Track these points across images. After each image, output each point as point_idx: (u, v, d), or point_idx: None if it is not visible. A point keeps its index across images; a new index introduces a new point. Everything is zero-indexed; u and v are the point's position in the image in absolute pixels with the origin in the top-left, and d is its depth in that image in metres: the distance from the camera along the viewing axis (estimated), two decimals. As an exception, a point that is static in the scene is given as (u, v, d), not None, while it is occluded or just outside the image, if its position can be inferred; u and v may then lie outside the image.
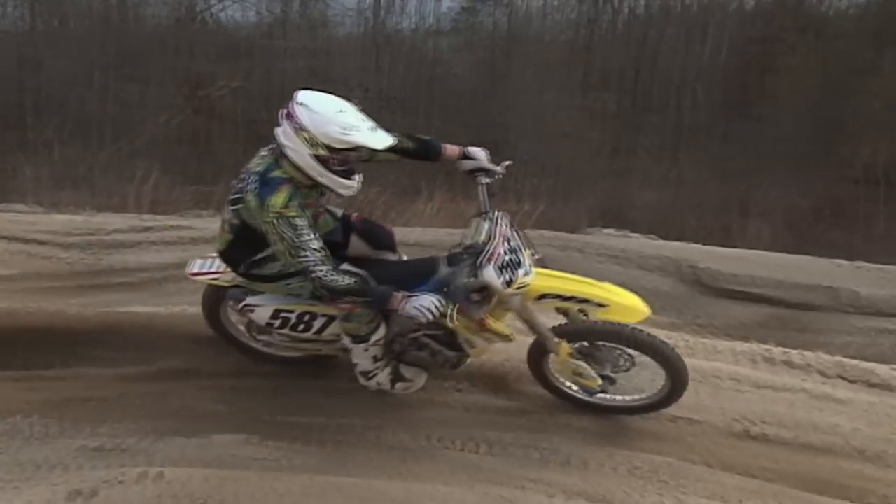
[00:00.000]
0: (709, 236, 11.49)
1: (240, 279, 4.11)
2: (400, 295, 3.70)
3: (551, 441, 4.18)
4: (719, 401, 4.36)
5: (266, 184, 3.68)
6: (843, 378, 4.18)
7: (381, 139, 3.69)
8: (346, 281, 3.68)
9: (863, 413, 4.42)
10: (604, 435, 4.27)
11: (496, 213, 3.96)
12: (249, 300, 4.07)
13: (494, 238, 3.83)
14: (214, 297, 4.43)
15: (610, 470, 4.04)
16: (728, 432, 4.40)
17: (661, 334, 4.58)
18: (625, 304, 3.97)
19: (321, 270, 3.66)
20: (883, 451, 4.25)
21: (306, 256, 3.65)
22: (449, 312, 3.71)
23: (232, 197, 3.88)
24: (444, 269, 3.84)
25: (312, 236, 3.67)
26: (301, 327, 4.08)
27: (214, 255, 4.23)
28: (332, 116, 3.63)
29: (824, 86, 16.47)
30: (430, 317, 3.66)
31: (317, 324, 4.08)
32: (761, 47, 17.98)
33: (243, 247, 3.93)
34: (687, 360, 4.13)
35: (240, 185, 3.81)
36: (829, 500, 3.94)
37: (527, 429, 4.28)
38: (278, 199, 3.64)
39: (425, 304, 3.65)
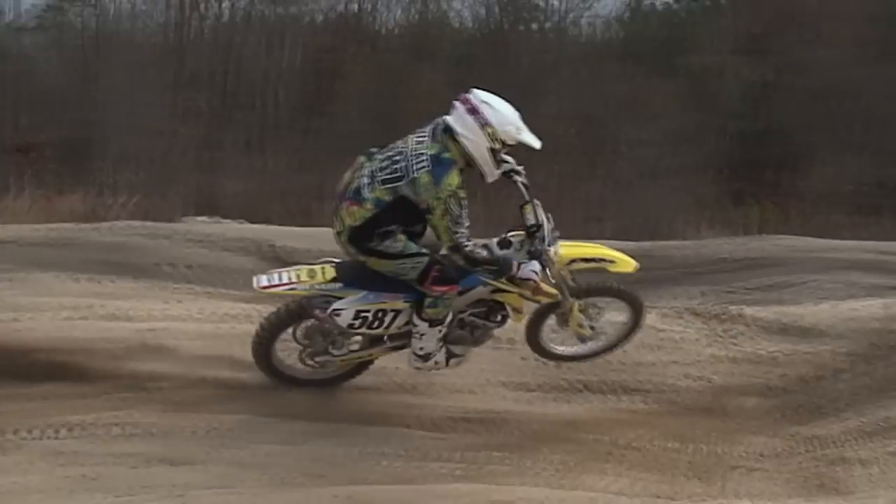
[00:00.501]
0: (292, 219, 11.80)
1: (323, 288, 4.01)
2: (516, 263, 3.94)
3: (132, 416, 4.00)
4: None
5: (439, 164, 3.77)
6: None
7: (536, 139, 3.94)
8: (484, 253, 3.96)
9: (403, 355, 4.83)
10: (182, 403, 4.17)
11: (535, 200, 4.16)
12: (336, 305, 4.00)
13: (542, 219, 4.11)
14: (266, 340, 4.20)
15: (189, 434, 3.97)
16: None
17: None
18: (625, 259, 4.38)
19: (470, 245, 3.87)
20: (417, 383, 4.67)
21: (462, 232, 3.82)
22: (548, 274, 4.02)
23: (386, 176, 3.86)
24: (497, 252, 4.08)
25: (467, 215, 3.81)
26: (376, 324, 4.10)
27: (279, 268, 4.17)
28: (509, 116, 3.86)
29: (380, 89, 17.73)
30: (539, 278, 3.96)
31: (387, 319, 4.10)
32: (330, 55, 18.77)
33: (377, 224, 3.88)
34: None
35: (396, 166, 3.84)
36: (378, 427, 4.26)
37: (107, 408, 4.03)
38: (454, 179, 3.77)
39: (536, 268, 3.96)
